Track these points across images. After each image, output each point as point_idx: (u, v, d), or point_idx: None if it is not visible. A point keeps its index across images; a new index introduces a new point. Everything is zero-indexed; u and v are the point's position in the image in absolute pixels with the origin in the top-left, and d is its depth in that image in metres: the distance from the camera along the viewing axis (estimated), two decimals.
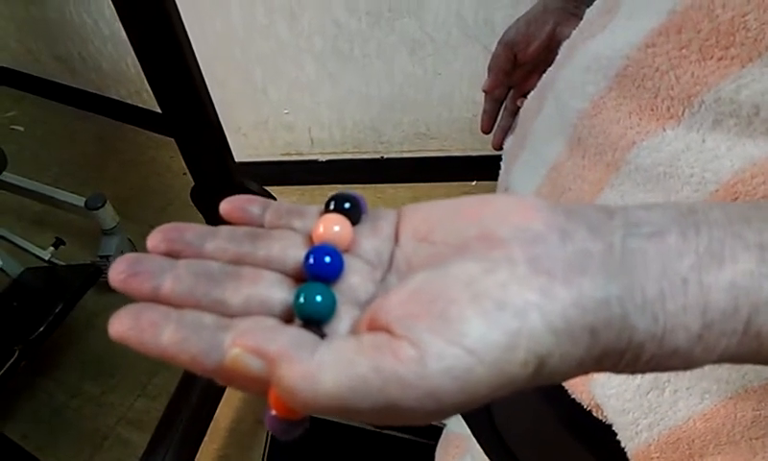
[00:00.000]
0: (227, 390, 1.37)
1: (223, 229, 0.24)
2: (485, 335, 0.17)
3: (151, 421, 1.32)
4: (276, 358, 0.18)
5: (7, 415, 1.44)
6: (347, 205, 0.24)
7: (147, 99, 2.14)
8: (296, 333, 0.19)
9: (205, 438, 1.29)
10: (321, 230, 0.23)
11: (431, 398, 0.17)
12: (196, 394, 1.28)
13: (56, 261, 1.59)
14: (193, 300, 0.21)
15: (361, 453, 1.04)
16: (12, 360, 1.27)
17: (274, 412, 0.20)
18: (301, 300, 0.21)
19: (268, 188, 1.36)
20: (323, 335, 0.20)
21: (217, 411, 1.34)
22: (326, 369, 0.17)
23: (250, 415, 1.41)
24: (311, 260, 0.22)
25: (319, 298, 0.21)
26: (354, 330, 0.21)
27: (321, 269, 0.22)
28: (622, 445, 0.37)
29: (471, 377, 0.17)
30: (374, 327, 0.19)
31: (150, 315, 0.20)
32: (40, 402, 1.48)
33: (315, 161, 2.00)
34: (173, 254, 0.23)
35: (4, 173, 1.59)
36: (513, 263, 0.18)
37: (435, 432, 0.70)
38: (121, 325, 0.20)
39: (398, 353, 0.17)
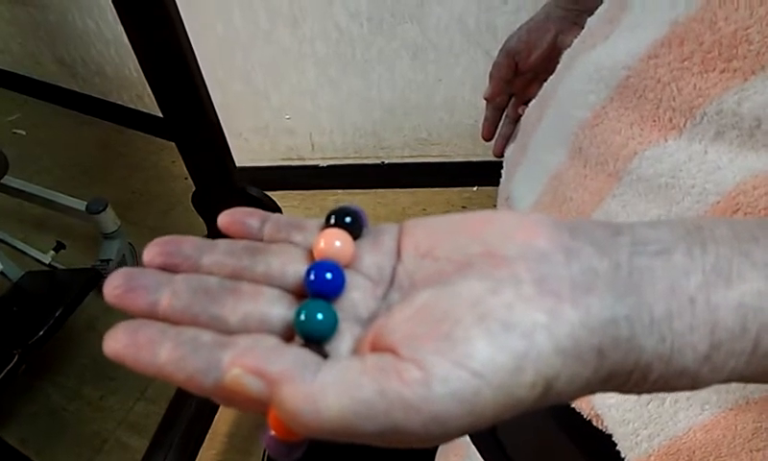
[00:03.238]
0: None
1: (221, 242, 0.24)
2: (492, 358, 0.17)
3: (150, 425, 1.32)
4: (278, 380, 0.18)
5: (6, 419, 1.44)
6: (347, 219, 0.24)
7: (149, 103, 2.14)
8: (298, 353, 0.19)
9: (205, 443, 1.28)
10: (322, 245, 0.23)
11: (436, 421, 0.17)
12: (195, 398, 1.27)
13: (56, 265, 1.60)
14: (190, 316, 0.21)
15: (360, 459, 1.04)
16: (12, 364, 1.27)
17: (273, 433, 0.19)
18: (302, 317, 0.20)
19: (269, 193, 1.36)
20: (324, 354, 0.20)
21: (216, 416, 1.34)
22: (330, 391, 0.17)
23: (249, 420, 1.41)
24: (312, 277, 0.22)
25: (320, 316, 0.20)
26: (357, 350, 0.21)
27: (322, 286, 0.21)
28: (622, 455, 0.37)
29: (478, 401, 0.17)
30: (378, 347, 0.19)
31: (147, 332, 0.19)
32: (40, 406, 1.47)
33: (316, 166, 2.00)
34: (170, 268, 0.22)
35: (5, 176, 1.59)
36: (518, 283, 0.18)
37: None
38: (116, 342, 0.19)
39: (403, 376, 0.17)
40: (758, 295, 0.18)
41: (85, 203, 1.56)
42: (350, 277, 0.23)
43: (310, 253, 0.24)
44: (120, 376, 1.52)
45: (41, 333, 1.31)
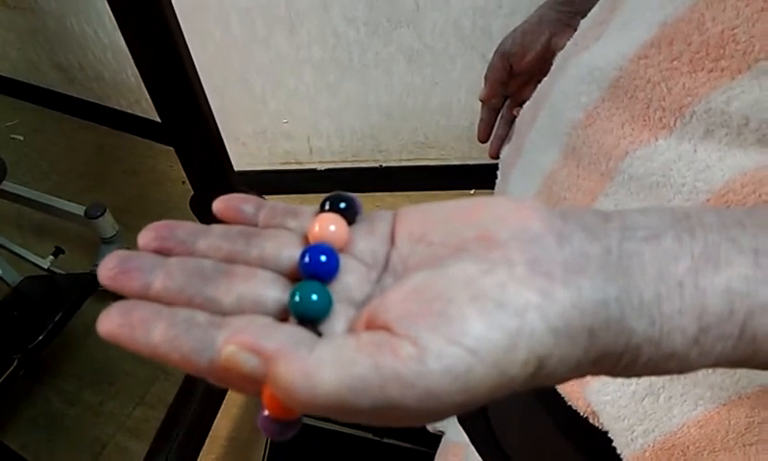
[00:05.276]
0: (225, 399, 1.37)
1: (216, 227, 0.24)
2: (485, 335, 0.17)
3: (149, 429, 1.32)
4: (274, 356, 0.18)
5: (5, 424, 1.44)
6: (342, 204, 0.24)
7: (147, 108, 2.14)
8: (293, 331, 0.19)
9: (204, 447, 1.28)
10: (316, 229, 0.23)
11: (431, 397, 0.17)
12: (195, 403, 1.28)
13: (55, 270, 1.60)
14: (185, 298, 0.21)
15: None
16: (11, 369, 1.27)
17: (267, 412, 0.19)
18: (297, 298, 0.20)
19: (267, 197, 1.36)
20: (319, 334, 0.20)
21: (215, 420, 1.34)
22: (325, 367, 0.17)
23: (248, 425, 1.41)
24: (306, 259, 0.22)
25: (315, 296, 0.20)
26: (351, 329, 0.21)
27: (316, 267, 0.22)
28: (618, 451, 0.38)
29: (471, 377, 0.17)
30: (373, 325, 0.19)
31: (140, 312, 0.19)
32: (39, 411, 1.47)
33: (314, 170, 2.00)
34: (164, 252, 0.22)
35: (4, 182, 1.60)
36: (511, 264, 0.18)
37: (433, 440, 0.70)
38: (111, 322, 0.19)
39: (398, 352, 0.17)
40: (745, 280, 0.19)
41: (84, 208, 1.56)
42: (344, 260, 0.23)
43: (305, 238, 0.24)
44: (119, 380, 1.52)
45: (40, 338, 1.31)
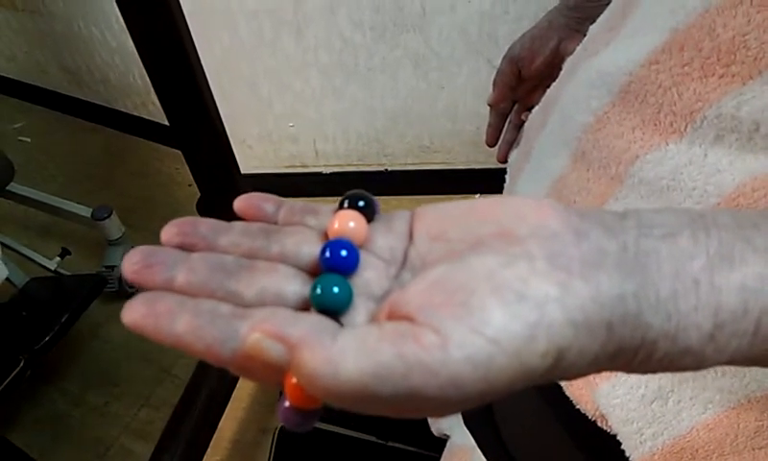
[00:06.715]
0: (230, 401, 1.37)
1: (237, 224, 0.24)
2: (506, 326, 0.17)
3: (154, 431, 1.32)
4: (298, 343, 0.18)
5: (11, 424, 1.44)
6: (361, 202, 0.25)
7: (153, 111, 2.15)
8: (316, 320, 0.19)
9: (209, 449, 1.28)
10: (336, 225, 0.23)
11: (453, 385, 0.17)
12: (199, 405, 1.28)
13: (61, 271, 1.60)
14: (207, 291, 0.21)
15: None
16: (18, 369, 1.27)
17: (288, 403, 0.19)
18: (318, 290, 0.21)
19: None
20: (340, 326, 0.20)
21: (220, 422, 1.34)
22: (349, 355, 0.17)
23: (253, 426, 1.41)
24: (327, 253, 0.22)
25: (336, 289, 0.21)
26: (373, 321, 0.21)
27: (337, 261, 0.22)
28: (626, 454, 0.38)
29: (492, 366, 0.17)
30: (395, 316, 0.19)
31: (165, 303, 0.20)
32: (44, 412, 1.48)
33: (319, 173, 2.01)
34: (186, 248, 0.23)
35: (11, 183, 1.60)
36: (531, 259, 0.19)
37: (438, 444, 0.70)
38: (135, 312, 0.19)
39: (421, 340, 0.17)
40: (760, 278, 0.19)
41: (91, 209, 1.57)
42: (364, 256, 0.23)
43: (324, 234, 0.24)
44: (124, 382, 1.52)
45: (47, 339, 1.31)
